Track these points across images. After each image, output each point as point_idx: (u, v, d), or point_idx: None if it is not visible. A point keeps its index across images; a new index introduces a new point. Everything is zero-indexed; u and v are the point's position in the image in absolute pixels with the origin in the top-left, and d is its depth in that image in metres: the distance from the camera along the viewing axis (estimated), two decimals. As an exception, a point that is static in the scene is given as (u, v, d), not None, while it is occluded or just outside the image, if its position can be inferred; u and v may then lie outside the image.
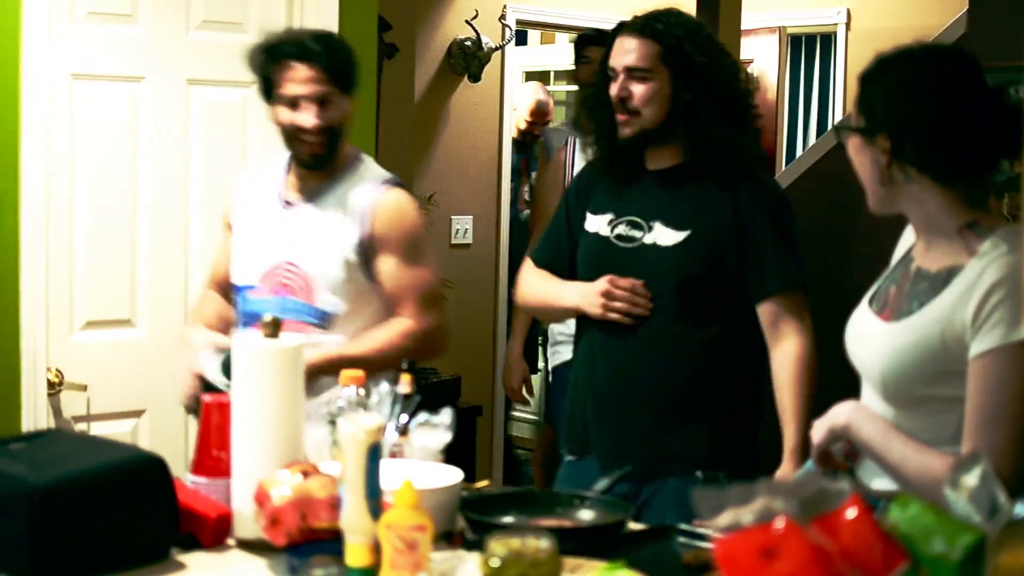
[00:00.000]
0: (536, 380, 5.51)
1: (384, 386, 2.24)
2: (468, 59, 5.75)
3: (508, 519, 2.10)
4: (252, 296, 2.88)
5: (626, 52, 2.79)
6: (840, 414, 2.05)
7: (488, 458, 5.96)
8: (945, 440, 1.96)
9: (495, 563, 1.63)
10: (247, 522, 1.98)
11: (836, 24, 7.07)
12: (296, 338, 2.11)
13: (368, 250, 2.82)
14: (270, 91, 2.83)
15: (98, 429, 3.37)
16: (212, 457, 2.09)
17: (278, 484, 1.89)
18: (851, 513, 1.51)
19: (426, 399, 2.28)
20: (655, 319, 2.76)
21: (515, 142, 6.29)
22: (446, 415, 2.22)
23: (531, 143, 6.40)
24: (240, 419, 2.05)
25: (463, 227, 5.86)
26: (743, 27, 5.82)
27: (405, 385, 2.27)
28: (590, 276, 2.83)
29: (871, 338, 2.08)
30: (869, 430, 2.01)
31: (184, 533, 1.99)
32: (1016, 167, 2.21)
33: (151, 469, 1.95)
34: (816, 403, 2.58)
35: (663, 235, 2.77)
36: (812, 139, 7.26)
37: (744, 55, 6.37)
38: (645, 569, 1.76)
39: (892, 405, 2.03)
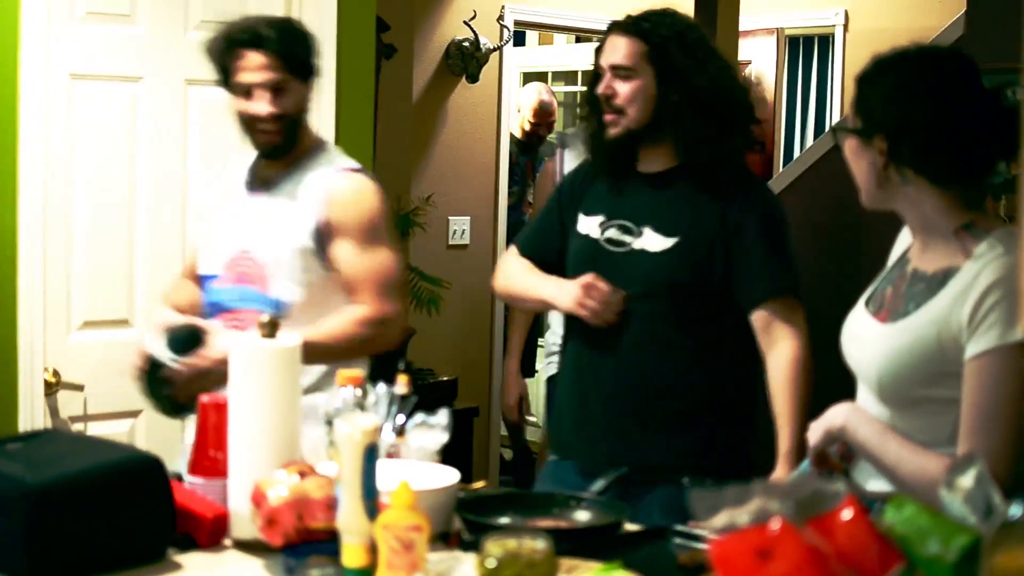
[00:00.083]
0: (532, 383, 5.50)
1: (381, 387, 2.24)
2: (466, 60, 5.75)
3: (504, 520, 2.10)
4: (215, 285, 2.84)
5: (613, 50, 2.77)
6: (836, 416, 2.05)
7: (485, 459, 5.95)
8: (941, 441, 1.96)
9: (491, 564, 1.63)
10: (244, 522, 1.98)
11: (834, 26, 7.06)
12: (294, 338, 2.10)
13: (324, 237, 2.75)
14: (227, 81, 2.78)
15: (95, 429, 3.37)
16: (209, 457, 2.09)
17: (275, 484, 1.89)
18: (847, 514, 1.51)
19: (423, 400, 2.28)
20: (642, 325, 2.74)
21: (520, 144, 6.27)
22: (443, 416, 2.22)
23: (536, 144, 6.38)
24: (237, 419, 2.05)
25: (460, 228, 5.85)
26: (741, 29, 5.82)
27: (402, 386, 2.27)
28: (577, 277, 2.80)
29: (867, 339, 2.08)
30: (865, 432, 2.01)
31: (181, 533, 1.98)
32: (1013, 169, 2.21)
33: (148, 469, 1.95)
34: (812, 405, 2.58)
35: (652, 241, 2.75)
36: (810, 140, 7.25)
37: (742, 56, 6.36)
38: (641, 570, 1.76)
39: (888, 406, 2.03)
